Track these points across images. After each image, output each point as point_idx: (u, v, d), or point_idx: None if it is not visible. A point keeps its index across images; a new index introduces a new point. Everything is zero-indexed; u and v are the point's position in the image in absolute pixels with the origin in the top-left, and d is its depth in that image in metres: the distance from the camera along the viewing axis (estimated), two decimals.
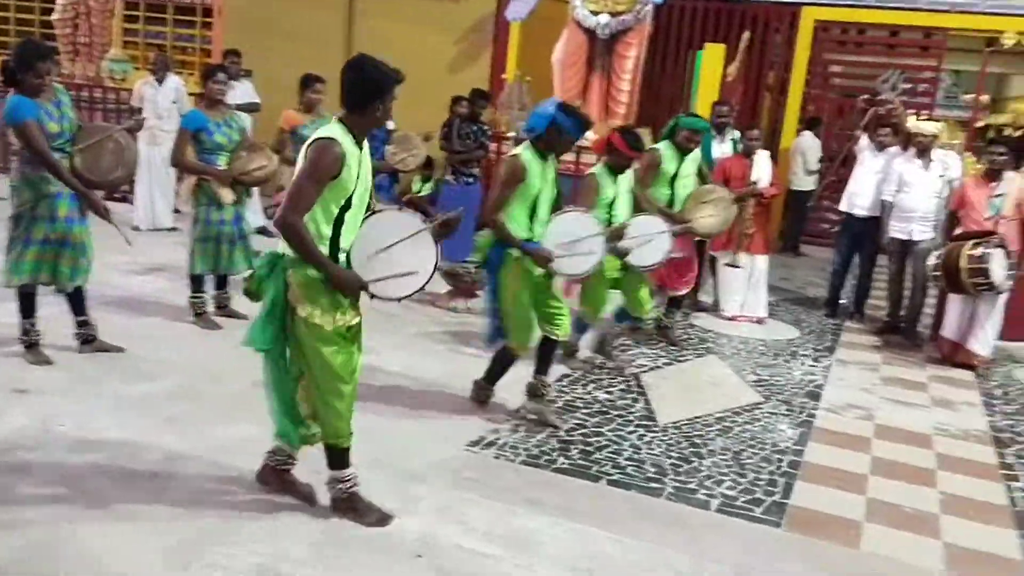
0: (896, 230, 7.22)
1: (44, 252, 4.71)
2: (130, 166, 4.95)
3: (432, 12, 10.22)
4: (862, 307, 7.87)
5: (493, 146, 8.52)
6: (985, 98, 10.78)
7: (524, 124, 4.67)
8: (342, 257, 3.28)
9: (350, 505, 3.49)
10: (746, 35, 9.20)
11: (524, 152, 4.33)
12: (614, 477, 4.14)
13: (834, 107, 12.10)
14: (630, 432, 4.72)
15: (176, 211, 8.88)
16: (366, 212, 3.36)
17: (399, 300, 3.38)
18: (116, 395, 4.51)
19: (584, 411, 4.98)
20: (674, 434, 4.75)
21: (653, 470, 4.25)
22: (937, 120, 8.14)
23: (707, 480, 4.20)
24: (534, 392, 4.79)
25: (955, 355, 6.59)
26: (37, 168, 4.61)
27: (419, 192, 9.09)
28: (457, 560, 3.28)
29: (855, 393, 5.80)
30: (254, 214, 8.53)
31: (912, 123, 7.38)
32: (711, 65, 7.84)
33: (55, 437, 3.97)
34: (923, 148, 7.13)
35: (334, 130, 3.20)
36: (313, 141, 3.17)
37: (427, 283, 3.34)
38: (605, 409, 5.04)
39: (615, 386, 5.47)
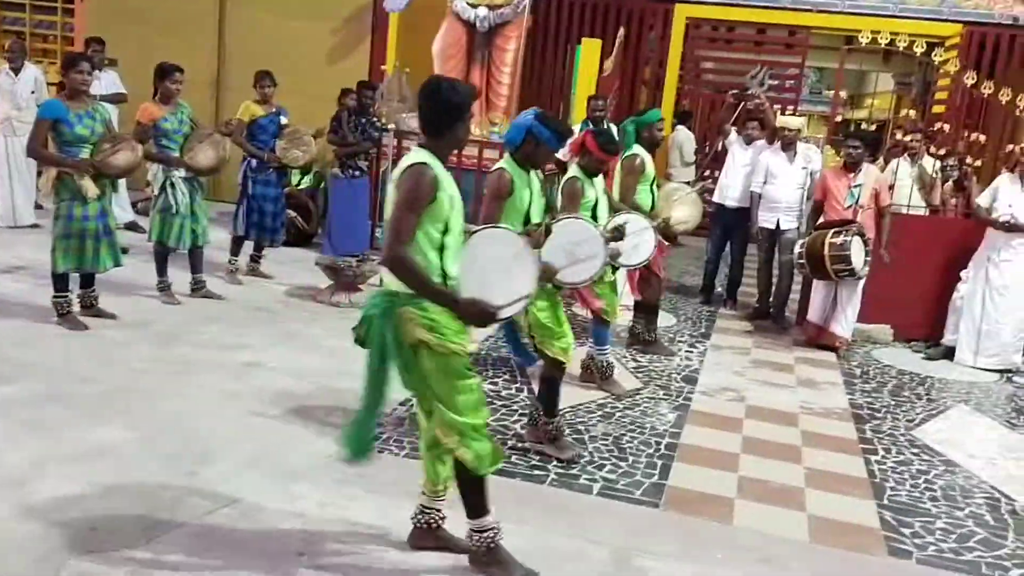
0: (764, 220, 7.56)
1: None
2: None
3: (307, 2, 10.00)
4: (734, 294, 8.20)
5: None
6: (844, 94, 11.37)
7: (503, 135, 4.42)
8: (451, 284, 3.06)
9: (493, 558, 3.23)
10: (621, 31, 9.41)
11: (506, 165, 4.07)
12: (499, 466, 4.17)
13: (707, 102, 12.56)
14: (514, 422, 4.78)
15: (38, 207, 8.42)
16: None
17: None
18: None
19: None
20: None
21: (536, 458, 4.32)
22: (801, 115, 8.54)
23: (589, 465, 4.30)
24: (550, 435, 4.43)
25: (819, 337, 6.96)
26: None
27: (298, 185, 8.90)
28: (342, 556, 3.25)
29: (728, 376, 6.05)
30: (122, 209, 8.20)
31: (778, 118, 7.73)
32: (588, 60, 7.99)
33: None
34: (788, 142, 7.49)
35: (423, 155, 3.01)
36: (406, 169, 2.99)
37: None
38: (490, 399, 5.08)
39: (500, 377, 5.52)
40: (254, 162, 7.11)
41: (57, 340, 5.33)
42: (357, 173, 7.91)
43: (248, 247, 7.45)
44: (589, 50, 8.03)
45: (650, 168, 6.02)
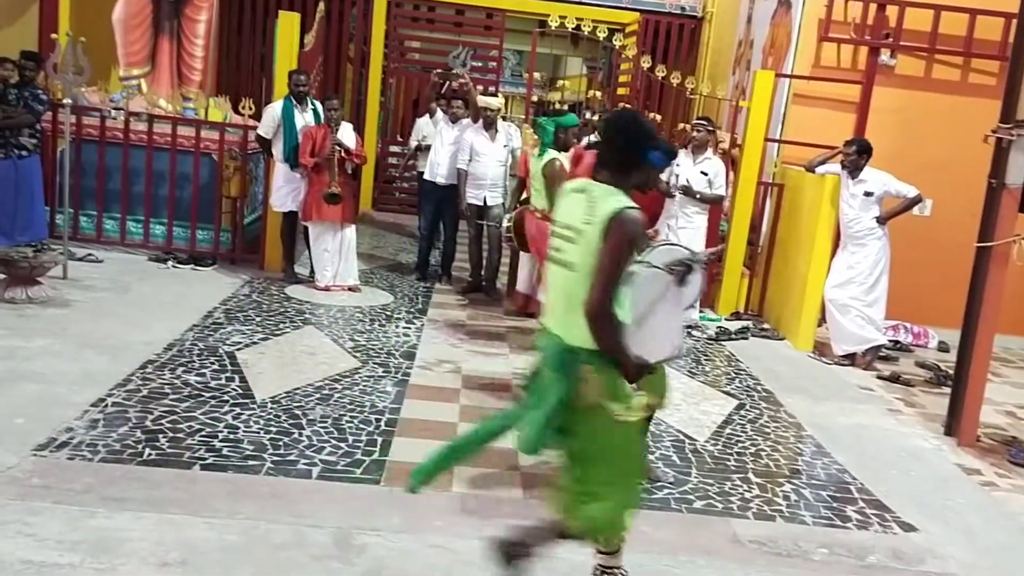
0: (471, 196, 7.79)
1: None
2: None
3: None
4: (448, 269, 8.39)
5: (48, 115, 7.57)
6: (539, 76, 12.00)
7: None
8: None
9: None
10: (321, 5, 9.20)
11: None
12: (208, 461, 3.95)
13: (411, 80, 12.69)
14: (225, 413, 4.54)
15: None
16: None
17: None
18: None
19: (173, 397, 4.67)
20: (272, 409, 4.66)
21: (251, 448, 4.14)
22: (501, 95, 8.88)
23: (308, 449, 4.19)
24: None
25: (528, 306, 7.31)
26: None
27: None
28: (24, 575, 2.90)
29: (445, 349, 6.18)
30: None
31: (480, 98, 7.97)
32: (286, 33, 7.70)
33: None
34: (489, 121, 7.75)
35: (623, 199, 2.71)
36: (618, 215, 2.64)
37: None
38: (198, 392, 4.79)
39: (207, 367, 5.21)
40: None
41: None
42: (24, 153, 7.08)
43: None
44: (287, 23, 7.75)
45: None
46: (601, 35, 8.60)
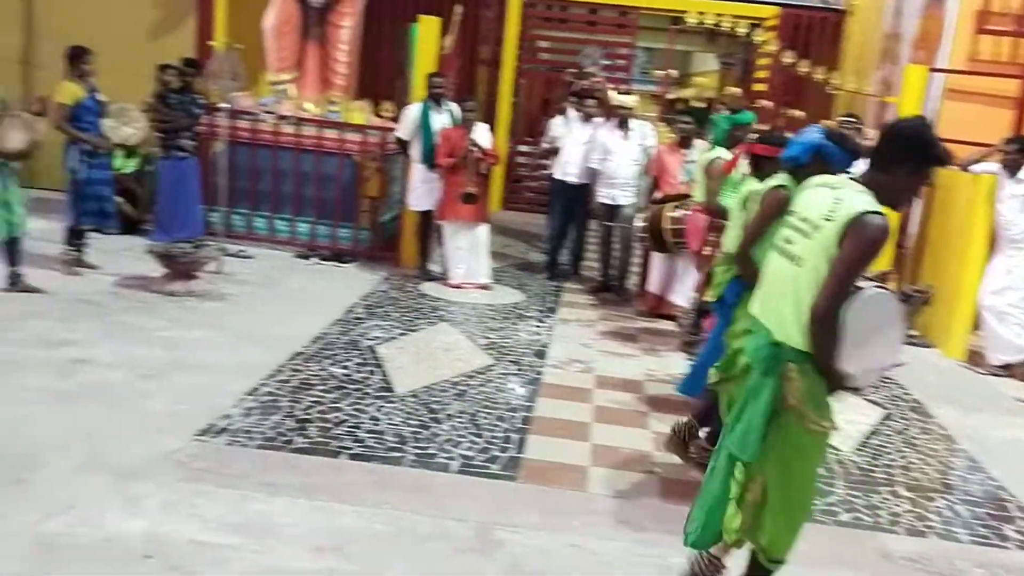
0: (602, 195, 7.77)
1: None
2: None
3: None
4: (578, 268, 8.40)
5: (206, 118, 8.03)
6: (673, 73, 11.83)
7: (783, 153, 3.78)
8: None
9: None
10: (459, 9, 9.38)
11: (786, 182, 3.66)
12: (354, 451, 4.11)
13: (543, 81, 12.76)
14: (368, 405, 4.71)
15: None
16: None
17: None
18: None
19: (320, 388, 4.88)
20: (412, 403, 4.80)
21: (393, 440, 4.27)
22: (634, 93, 8.81)
23: (446, 444, 4.29)
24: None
25: (659, 307, 7.24)
26: None
27: (121, 170, 8.33)
28: (192, 555, 3.10)
29: (576, 348, 6.20)
30: None
31: (613, 96, 7.94)
32: (426, 37, 7.90)
33: None
34: (623, 119, 7.71)
35: (873, 202, 2.63)
36: (862, 217, 2.57)
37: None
38: (342, 384, 4.98)
39: (350, 360, 5.42)
40: (84, 145, 6.60)
41: None
42: (183, 154, 7.52)
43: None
44: (427, 27, 7.94)
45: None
46: (741, 31, 8.40)
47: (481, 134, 7.47)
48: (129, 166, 8.53)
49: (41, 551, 3.02)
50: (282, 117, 8.30)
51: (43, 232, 7.00)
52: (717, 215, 5.12)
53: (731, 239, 4.21)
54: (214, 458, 3.91)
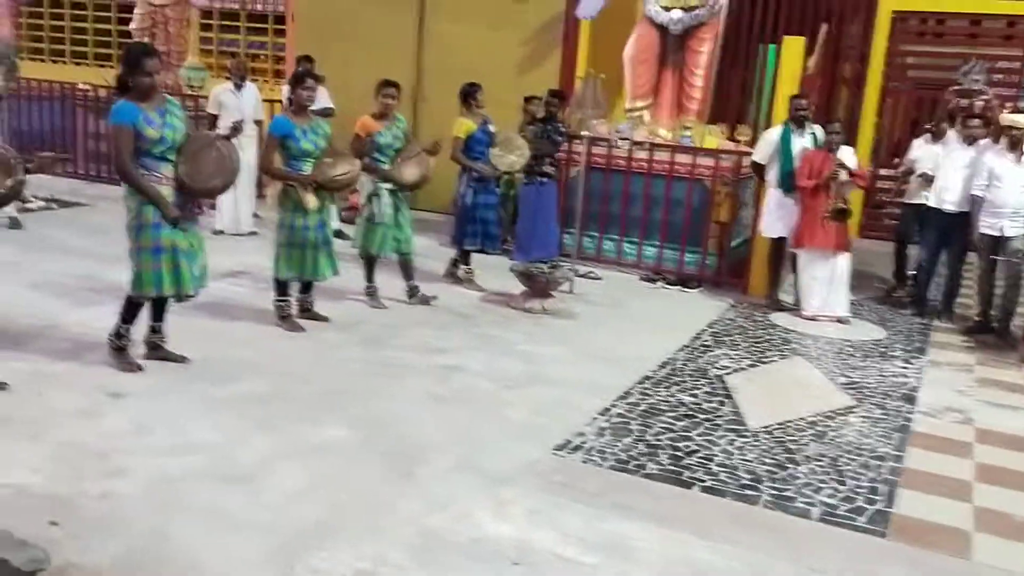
0: (986, 226, 6.94)
1: (159, 261, 4.61)
2: (229, 175, 4.81)
3: (501, 14, 10.19)
4: (951, 306, 7.59)
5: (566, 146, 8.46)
6: None
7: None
8: None
9: None
10: (824, 27, 8.98)
11: None
12: (707, 483, 4.03)
13: (912, 99, 11.77)
14: (719, 437, 4.61)
15: (255, 215, 9.02)
16: None
17: None
18: (206, 398, 4.56)
19: (670, 415, 4.88)
20: (766, 439, 4.62)
21: (747, 477, 4.13)
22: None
23: (805, 488, 4.06)
24: None
25: None
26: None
27: (506, 195, 8.97)
28: (557, 569, 3.21)
29: (951, 396, 5.58)
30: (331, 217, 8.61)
31: (1005, 116, 7.09)
32: (790, 58, 7.64)
33: (150, 441, 4.03)
34: (1016, 141, 6.84)
35: None
36: None
37: None
38: (691, 412, 4.94)
39: (699, 388, 5.35)
40: (475, 173, 7.27)
41: (278, 341, 5.65)
42: (544, 180, 7.96)
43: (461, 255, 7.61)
44: (791, 48, 7.68)
45: None
46: None
47: (847, 156, 7.06)
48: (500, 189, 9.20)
49: (423, 543, 3.31)
50: (636, 143, 8.48)
51: (426, 249, 7.79)
52: None
53: None
54: (571, 473, 4.05)
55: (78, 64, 13.41)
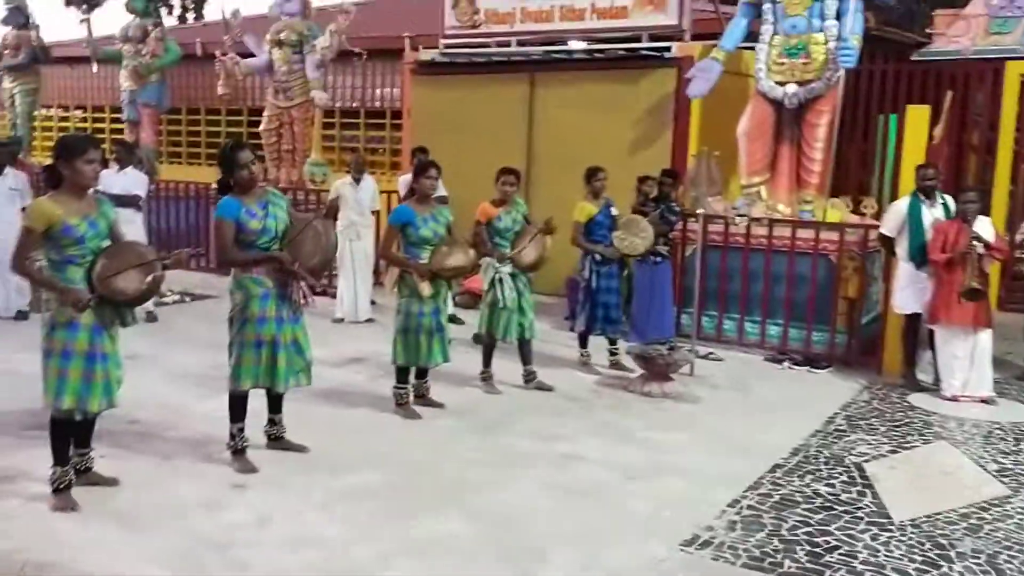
0: None
1: (259, 355, 4.69)
2: (328, 252, 4.90)
3: (610, 97, 10.24)
4: None
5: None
6: None
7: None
8: None
9: None
10: (950, 94, 8.63)
11: None
12: None
13: None
14: (862, 531, 4.26)
15: (372, 302, 9.21)
16: None
17: None
18: (326, 489, 4.56)
19: (805, 507, 4.56)
20: (913, 534, 4.25)
21: None
22: None
23: None
24: None
25: None
26: (246, 269, 4.70)
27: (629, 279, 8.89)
28: None
29: None
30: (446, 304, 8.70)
31: None
32: (915, 127, 7.35)
33: (270, 533, 4.03)
34: None
35: None
36: None
37: None
38: (829, 504, 4.60)
39: (836, 478, 5.01)
40: (598, 256, 7.24)
41: (395, 430, 5.65)
42: (658, 259, 7.82)
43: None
44: (915, 117, 7.39)
45: None
46: None
47: (983, 227, 6.64)
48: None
49: None
50: (754, 219, 8.26)
51: (546, 334, 7.71)
52: None
53: None
54: (701, 572, 3.81)
55: (211, 166, 14.27)
